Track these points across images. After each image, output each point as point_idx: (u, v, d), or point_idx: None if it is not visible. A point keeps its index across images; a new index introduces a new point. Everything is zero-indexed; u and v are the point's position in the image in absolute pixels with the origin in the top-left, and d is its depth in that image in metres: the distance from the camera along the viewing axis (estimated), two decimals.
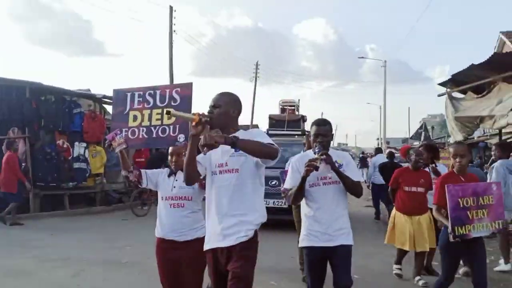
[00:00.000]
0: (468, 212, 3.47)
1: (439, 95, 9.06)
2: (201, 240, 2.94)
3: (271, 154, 2.56)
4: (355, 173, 3.32)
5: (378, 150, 12.25)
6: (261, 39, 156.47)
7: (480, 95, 7.84)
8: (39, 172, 10.82)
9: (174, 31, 22.37)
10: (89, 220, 10.00)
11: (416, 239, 5.07)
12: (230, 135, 2.49)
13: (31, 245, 7.20)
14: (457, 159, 3.66)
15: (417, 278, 5.14)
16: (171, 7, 22.33)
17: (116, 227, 9.21)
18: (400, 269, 5.43)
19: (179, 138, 3.67)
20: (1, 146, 11.00)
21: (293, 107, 21.93)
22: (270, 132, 12.50)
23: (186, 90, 3.79)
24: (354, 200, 3.47)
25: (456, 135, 8.21)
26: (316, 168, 3.00)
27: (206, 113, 2.57)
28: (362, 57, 35.51)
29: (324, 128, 3.27)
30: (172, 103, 3.72)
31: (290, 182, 3.33)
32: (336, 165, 3.20)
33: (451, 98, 8.50)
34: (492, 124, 6.75)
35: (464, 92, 8.67)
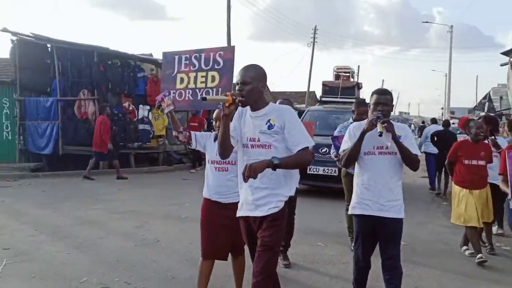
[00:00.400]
0: None
1: (501, 65, 8.62)
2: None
3: (308, 163, 2.77)
4: (413, 146, 3.24)
5: (433, 121, 12.12)
6: (322, 1, 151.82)
7: None
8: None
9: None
10: (152, 178, 10.71)
11: (480, 213, 4.88)
12: (269, 159, 2.52)
13: (101, 198, 7.94)
14: None
15: (489, 246, 5.23)
16: None
17: (177, 185, 9.83)
18: (468, 249, 5.14)
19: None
20: (73, 107, 11.94)
21: (348, 74, 21.38)
22: (322, 99, 12.34)
23: (228, 53, 3.87)
24: (411, 171, 3.47)
25: None
26: (380, 134, 2.99)
27: (236, 92, 2.61)
28: (427, 22, 34.25)
29: (385, 97, 3.20)
30: (216, 66, 3.81)
31: (345, 147, 3.30)
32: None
33: None
34: None
35: None
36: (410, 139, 3.24)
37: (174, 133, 3.54)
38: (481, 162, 4.99)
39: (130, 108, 12.20)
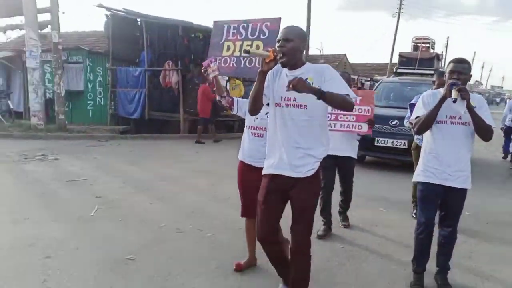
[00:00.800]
0: None
1: None
2: None
3: (350, 108, 2.61)
4: (488, 117, 3.16)
5: None
6: None
7: None
8: (189, 99, 12.42)
9: None
10: (227, 143, 11.31)
11: None
12: (317, 87, 2.47)
13: (181, 159, 8.67)
14: None
15: None
16: None
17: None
18: None
19: None
20: (158, 76, 12.81)
21: (427, 45, 20.18)
22: (398, 70, 11.93)
23: (274, 24, 3.86)
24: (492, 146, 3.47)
25: None
26: (454, 100, 2.95)
27: (278, 49, 2.54)
28: None
29: (461, 65, 3.14)
30: (261, 36, 3.84)
31: (418, 113, 3.28)
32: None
33: None
34: None
35: None
36: (485, 110, 3.16)
37: (217, 97, 3.59)
38: None
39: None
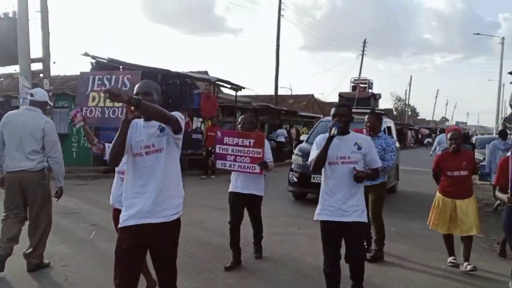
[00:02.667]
0: None
1: (511, 83, 9.70)
2: None
3: (171, 121, 2.65)
4: (375, 159, 3.55)
5: (442, 131, 13.78)
6: (380, 10, 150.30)
7: None
8: None
9: (283, 15, 24.31)
10: (203, 183, 12.57)
11: (460, 224, 4.95)
12: (135, 96, 2.58)
13: None
14: None
15: (465, 263, 4.95)
16: None
17: (220, 185, 11.61)
18: (455, 259, 5.24)
19: None
20: (256, 125, 14.07)
21: (365, 85, 21.77)
22: None
23: (135, 77, 3.70)
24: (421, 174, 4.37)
25: None
26: (333, 135, 3.33)
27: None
28: (478, 34, 33.26)
29: (342, 109, 3.50)
30: (123, 88, 3.74)
31: (313, 154, 3.54)
32: (356, 146, 3.47)
33: None
34: None
35: None
36: (373, 152, 3.54)
37: (88, 145, 3.76)
38: (464, 172, 4.98)
39: (186, 120, 14.22)
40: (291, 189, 9.41)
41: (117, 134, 2.64)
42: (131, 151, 2.78)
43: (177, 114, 2.76)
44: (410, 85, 59.96)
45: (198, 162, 14.58)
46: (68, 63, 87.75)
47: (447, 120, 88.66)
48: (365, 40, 37.56)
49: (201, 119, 14.89)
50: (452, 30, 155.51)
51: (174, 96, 14.27)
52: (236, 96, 17.03)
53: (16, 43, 12.11)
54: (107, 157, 3.46)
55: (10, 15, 13.06)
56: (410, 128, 48.49)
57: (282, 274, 4.83)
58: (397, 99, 77.71)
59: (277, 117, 22.42)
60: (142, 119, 2.79)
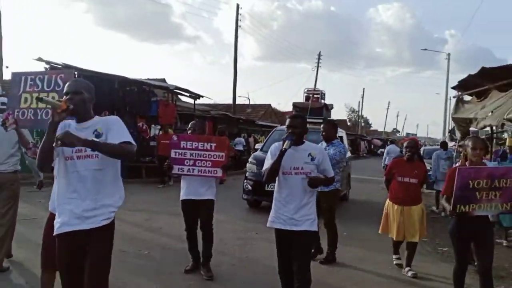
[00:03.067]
0: (477, 193, 3.59)
1: (454, 97, 10.42)
2: None
3: (130, 156, 2.70)
4: (328, 169, 3.57)
5: (392, 142, 15.32)
6: (333, 23, 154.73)
7: (479, 100, 9.12)
8: None
9: (240, 26, 24.70)
10: (158, 189, 12.59)
11: (406, 229, 5.25)
12: (89, 139, 2.54)
13: None
14: (477, 151, 3.84)
15: (407, 269, 5.29)
16: (237, 5, 24.59)
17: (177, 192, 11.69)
18: (399, 258, 5.65)
19: None
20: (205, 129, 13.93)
21: (317, 96, 22.50)
22: None
23: (68, 76, 3.90)
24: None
25: (457, 133, 9.67)
26: (284, 149, 3.34)
27: (68, 101, 2.58)
28: (426, 49, 35.23)
29: (296, 121, 3.51)
30: (57, 88, 3.86)
31: (266, 164, 3.55)
32: (310, 157, 3.51)
33: (459, 100, 9.83)
34: (476, 125, 8.15)
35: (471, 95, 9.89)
36: (326, 162, 3.57)
37: (23, 149, 3.60)
38: (413, 180, 5.25)
39: (144, 127, 14.18)
40: (245, 197, 9.46)
41: (44, 138, 2.54)
42: (63, 154, 2.67)
43: (132, 140, 2.71)
44: (362, 97, 62.05)
45: (156, 170, 14.54)
46: (22, 67, 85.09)
47: (398, 131, 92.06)
48: (319, 53, 38.72)
49: (159, 127, 14.87)
50: (402, 45, 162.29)
51: (132, 103, 14.21)
52: (194, 104, 17.14)
53: None
54: None
55: None
56: (363, 139, 50.07)
57: (241, 275, 5.03)
58: (351, 110, 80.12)
59: (235, 125, 22.66)
60: (73, 120, 2.70)
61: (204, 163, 4.78)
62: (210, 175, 4.81)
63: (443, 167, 9.97)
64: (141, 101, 14.47)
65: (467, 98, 10.10)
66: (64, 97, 2.66)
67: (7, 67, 13.35)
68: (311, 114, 14.98)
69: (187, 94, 16.69)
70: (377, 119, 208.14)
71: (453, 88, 10.36)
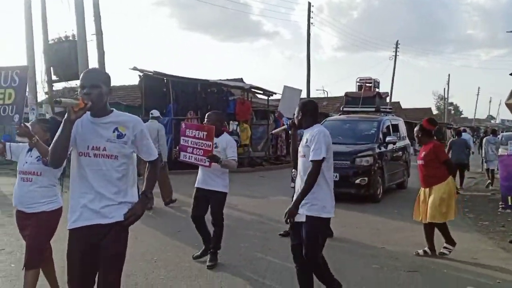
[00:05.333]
0: None
1: None
2: (48, 213, 3.37)
3: (156, 177, 2.91)
4: (312, 152, 3.46)
5: (465, 130, 16.02)
6: (417, 7, 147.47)
7: None
8: None
9: (312, 24, 25.72)
10: (238, 176, 14.10)
11: (424, 211, 5.33)
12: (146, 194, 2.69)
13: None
14: None
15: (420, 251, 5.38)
16: (309, 3, 25.56)
17: (257, 179, 13.23)
18: (425, 251, 5.40)
19: (15, 118, 3.69)
20: (178, 124, 15.85)
21: (370, 85, 22.10)
22: (344, 109, 12.71)
23: (23, 72, 3.89)
24: None
25: None
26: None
27: (85, 96, 2.43)
28: (511, 31, 32.74)
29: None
30: (13, 84, 3.83)
31: None
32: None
33: None
34: None
35: None
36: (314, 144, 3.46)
37: None
38: (420, 162, 5.46)
39: (224, 124, 15.85)
40: (293, 186, 10.10)
41: (58, 134, 2.44)
42: (76, 149, 2.57)
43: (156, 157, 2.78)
44: (448, 83, 59.30)
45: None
46: (120, 76, 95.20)
47: (493, 118, 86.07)
48: (397, 41, 38.28)
49: (236, 122, 16.50)
50: (496, 25, 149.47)
51: (213, 103, 15.96)
52: (268, 100, 18.57)
53: (77, 61, 14.24)
54: (9, 157, 3.54)
55: (70, 38, 15.32)
56: (449, 127, 48.24)
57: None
58: (439, 97, 76.62)
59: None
60: (88, 113, 2.52)
61: (198, 151, 4.83)
62: (201, 164, 4.84)
63: (492, 150, 11.69)
64: (220, 100, 16.18)
65: None
66: (80, 90, 2.50)
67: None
68: (363, 103, 14.82)
69: (261, 92, 18.17)
70: (469, 105, 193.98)
71: (511, 74, 10.55)
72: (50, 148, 2.54)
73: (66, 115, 2.38)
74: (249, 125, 16.29)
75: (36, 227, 3.37)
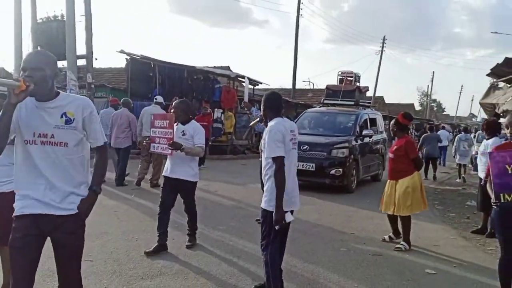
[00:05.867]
0: None
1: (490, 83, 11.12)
2: (8, 194, 2.85)
3: (105, 164, 2.70)
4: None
5: (443, 127, 17.21)
6: (407, 2, 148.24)
7: (510, 87, 9.74)
8: None
9: (301, 15, 25.81)
10: (220, 163, 14.42)
11: (392, 203, 5.51)
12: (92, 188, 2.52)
13: None
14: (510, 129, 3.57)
15: (386, 236, 5.78)
16: None
17: (238, 167, 13.52)
18: (390, 237, 5.75)
19: None
20: (167, 109, 16.01)
21: (351, 78, 22.46)
22: (325, 101, 12.98)
23: None
24: None
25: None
26: None
27: (28, 79, 2.22)
28: (496, 32, 33.47)
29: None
30: None
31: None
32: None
33: (491, 87, 10.47)
34: (498, 110, 8.90)
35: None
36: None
37: None
38: (390, 155, 5.64)
39: (208, 111, 16.06)
40: None
41: None
42: (21, 136, 2.40)
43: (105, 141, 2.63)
44: (432, 80, 60.23)
45: (218, 148, 16.49)
46: (108, 58, 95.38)
47: (474, 116, 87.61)
48: (384, 37, 38.62)
49: (221, 110, 16.72)
50: (483, 25, 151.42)
51: (198, 90, 16.19)
52: (253, 89, 18.81)
53: (64, 42, 14.27)
54: None
55: (59, 18, 15.29)
56: (429, 123, 49.15)
57: None
58: (423, 94, 77.70)
59: (294, 110, 24.09)
60: (33, 98, 2.35)
61: (163, 141, 4.87)
62: (164, 152, 4.95)
63: (463, 146, 12.57)
64: (206, 87, 16.38)
65: (501, 84, 10.71)
66: (22, 73, 2.32)
67: (96, 59, 15.77)
68: (343, 96, 15.12)
69: (247, 81, 18.37)
70: (453, 103, 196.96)
71: (487, 75, 10.99)
72: None
73: (6, 99, 2.21)
74: (234, 113, 16.51)
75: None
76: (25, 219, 2.41)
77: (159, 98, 9.67)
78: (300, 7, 25.80)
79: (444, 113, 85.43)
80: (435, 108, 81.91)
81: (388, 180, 5.69)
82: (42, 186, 2.41)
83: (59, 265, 2.52)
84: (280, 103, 3.71)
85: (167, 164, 4.97)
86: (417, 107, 68.94)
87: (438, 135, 14.38)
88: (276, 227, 3.39)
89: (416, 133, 29.19)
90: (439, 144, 13.82)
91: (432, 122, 50.76)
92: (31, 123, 2.37)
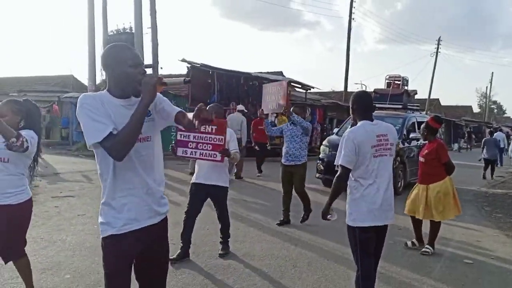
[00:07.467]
0: None
1: None
2: (16, 206, 2.95)
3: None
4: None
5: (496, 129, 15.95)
6: (470, 2, 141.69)
7: None
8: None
9: (353, 19, 26.17)
10: (270, 164, 15.19)
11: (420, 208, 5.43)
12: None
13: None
14: None
15: (409, 242, 5.68)
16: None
17: None
18: (413, 243, 5.66)
19: None
20: (224, 114, 17.09)
21: (398, 82, 22.41)
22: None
23: None
24: None
25: None
26: None
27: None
28: None
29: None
30: None
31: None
32: None
33: None
34: None
35: None
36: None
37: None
38: (421, 159, 5.56)
39: (265, 115, 16.95)
40: (318, 176, 10.48)
41: (135, 120, 2.05)
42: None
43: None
44: (491, 81, 58.03)
45: (273, 151, 17.29)
46: (172, 67, 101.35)
47: None
48: (439, 38, 38.11)
49: (275, 114, 17.50)
50: None
51: (254, 95, 17.10)
52: (306, 94, 19.48)
53: None
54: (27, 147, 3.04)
55: (128, 30, 16.81)
56: (488, 126, 47.54)
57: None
58: (482, 95, 74.80)
59: (346, 113, 24.50)
60: (108, 94, 2.18)
61: (205, 146, 4.61)
62: (210, 159, 4.62)
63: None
64: (260, 93, 17.21)
65: None
66: (139, 67, 2.19)
67: (161, 68, 17.14)
68: (391, 100, 15.14)
69: (299, 86, 19.11)
70: None
71: None
72: (121, 137, 2.03)
73: (143, 98, 2.05)
74: (287, 117, 17.23)
75: (6, 224, 3.09)
76: (126, 236, 2.21)
77: (240, 107, 11.43)
78: (352, 11, 26.19)
79: (505, 115, 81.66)
80: (495, 110, 78.57)
81: (418, 184, 5.62)
82: (143, 190, 2.26)
83: (150, 283, 2.42)
84: (368, 104, 3.45)
85: (197, 170, 4.89)
86: (476, 109, 66.69)
87: (495, 139, 14.63)
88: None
89: (475, 137, 28.49)
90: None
91: (491, 125, 49.09)
92: (124, 120, 2.09)
